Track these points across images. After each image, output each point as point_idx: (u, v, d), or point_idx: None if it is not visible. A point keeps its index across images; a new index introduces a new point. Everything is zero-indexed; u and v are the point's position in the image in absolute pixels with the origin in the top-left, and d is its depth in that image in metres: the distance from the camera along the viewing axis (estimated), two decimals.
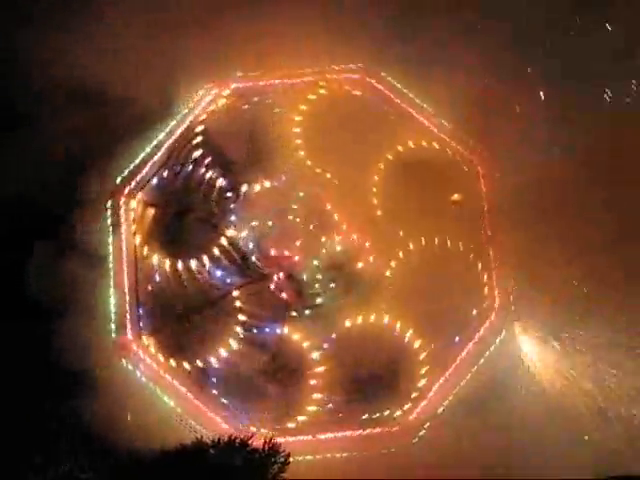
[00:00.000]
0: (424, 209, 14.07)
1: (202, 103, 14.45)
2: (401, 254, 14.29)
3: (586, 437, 13.41)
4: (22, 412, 12.91)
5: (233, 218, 14.39)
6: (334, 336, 13.90)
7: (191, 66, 14.06)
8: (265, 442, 10.04)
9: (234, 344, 13.94)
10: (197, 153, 14.53)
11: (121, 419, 13.02)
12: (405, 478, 12.88)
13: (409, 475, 12.83)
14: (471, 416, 13.34)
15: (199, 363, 13.84)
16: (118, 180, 14.05)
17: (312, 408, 13.78)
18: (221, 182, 14.51)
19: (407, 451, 13.38)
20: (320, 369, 13.84)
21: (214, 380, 13.80)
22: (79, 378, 13.09)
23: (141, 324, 13.86)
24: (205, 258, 14.19)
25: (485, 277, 14.15)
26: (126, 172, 14.14)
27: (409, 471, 12.88)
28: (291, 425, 13.63)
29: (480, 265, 14.20)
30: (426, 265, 14.19)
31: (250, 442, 10.09)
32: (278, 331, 14.03)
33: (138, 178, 14.12)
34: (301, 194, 14.44)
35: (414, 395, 13.74)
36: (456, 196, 14.55)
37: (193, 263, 14.14)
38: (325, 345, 13.93)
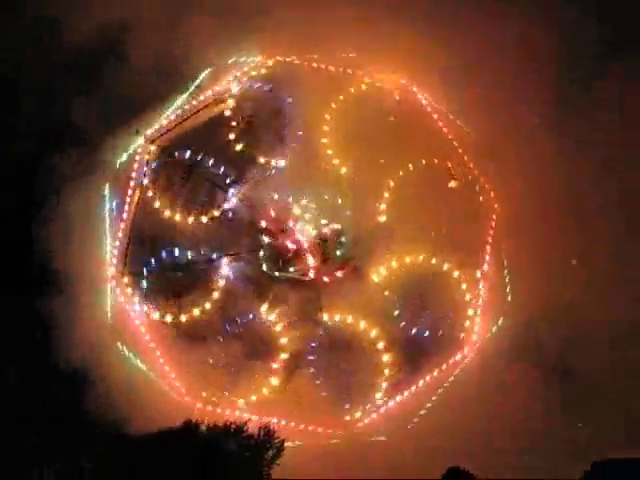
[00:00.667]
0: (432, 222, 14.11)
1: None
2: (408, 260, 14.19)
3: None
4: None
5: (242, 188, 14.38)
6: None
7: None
8: (260, 428, 10.06)
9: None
10: (227, 112, 14.53)
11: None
12: None
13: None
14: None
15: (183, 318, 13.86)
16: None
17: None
18: (239, 147, 14.47)
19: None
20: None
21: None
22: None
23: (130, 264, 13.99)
24: (203, 218, 14.19)
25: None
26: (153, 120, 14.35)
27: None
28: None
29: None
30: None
31: (245, 428, 10.09)
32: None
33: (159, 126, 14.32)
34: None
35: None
36: (453, 183, 14.44)
37: (190, 220, 14.16)
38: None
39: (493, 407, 13.52)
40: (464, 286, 14.21)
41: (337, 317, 13.90)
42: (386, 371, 13.79)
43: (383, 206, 14.33)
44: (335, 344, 13.86)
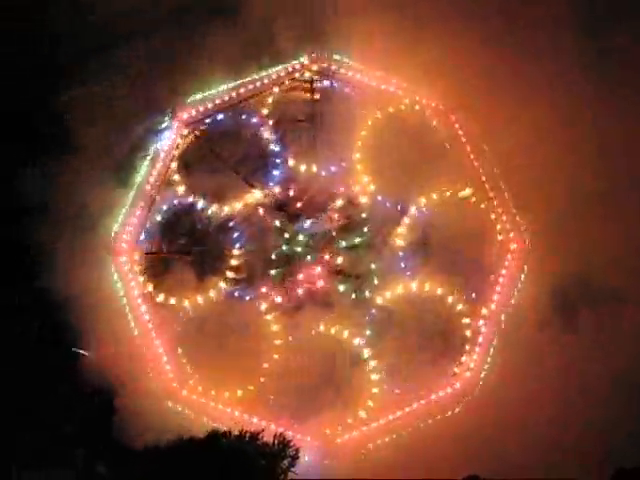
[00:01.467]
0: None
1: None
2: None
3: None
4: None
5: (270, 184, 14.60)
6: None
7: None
8: (275, 437, 10.01)
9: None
10: (265, 111, 14.69)
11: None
12: None
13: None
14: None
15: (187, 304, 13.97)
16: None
17: None
18: (272, 148, 14.63)
19: None
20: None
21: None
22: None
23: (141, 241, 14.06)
24: (226, 209, 14.37)
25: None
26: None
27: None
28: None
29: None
30: None
31: (260, 436, 10.02)
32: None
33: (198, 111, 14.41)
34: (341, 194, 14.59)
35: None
36: (467, 191, 14.48)
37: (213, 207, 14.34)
38: None
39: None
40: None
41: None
42: None
43: (401, 229, 14.49)
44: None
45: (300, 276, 14.28)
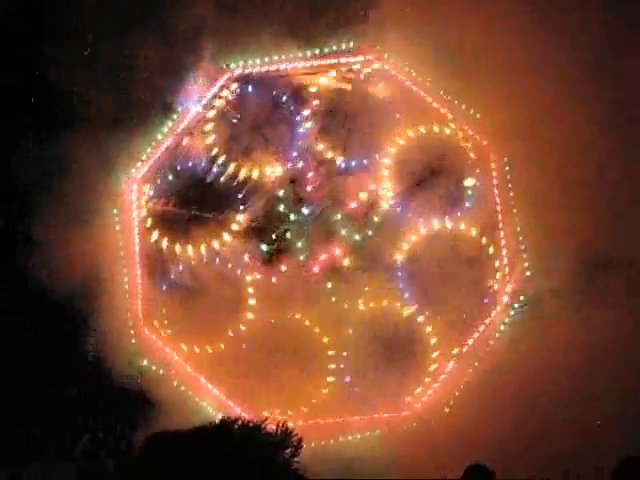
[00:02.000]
0: None
1: None
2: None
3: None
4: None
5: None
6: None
7: None
8: (277, 426, 10.23)
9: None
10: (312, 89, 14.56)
11: None
12: None
13: None
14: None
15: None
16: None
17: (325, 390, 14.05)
18: (307, 126, 14.55)
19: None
20: None
21: None
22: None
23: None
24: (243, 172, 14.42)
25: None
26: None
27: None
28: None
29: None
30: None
31: (263, 426, 10.24)
32: None
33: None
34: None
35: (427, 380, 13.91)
36: (470, 180, 14.29)
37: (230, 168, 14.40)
38: None
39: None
40: None
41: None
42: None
43: (405, 245, 14.40)
44: None
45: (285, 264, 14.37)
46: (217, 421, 9.75)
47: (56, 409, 13.41)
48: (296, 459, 9.81)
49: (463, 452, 12.00)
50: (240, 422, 9.59)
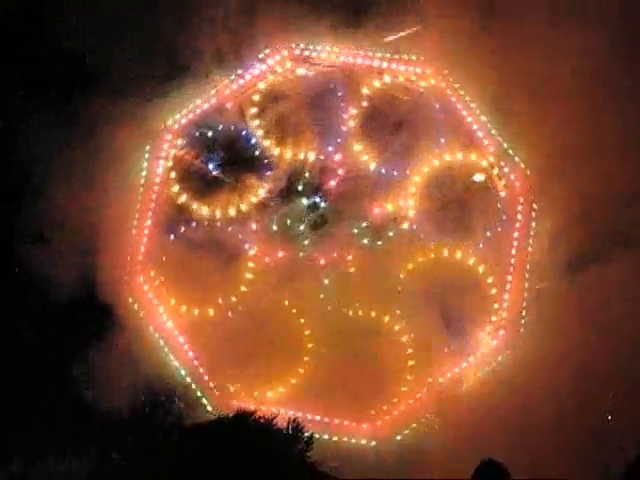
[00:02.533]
0: None
1: None
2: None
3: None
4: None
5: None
6: None
7: None
8: (288, 421, 10.36)
9: None
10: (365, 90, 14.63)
11: None
12: None
13: None
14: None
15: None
16: None
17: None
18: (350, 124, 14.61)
19: None
20: None
21: None
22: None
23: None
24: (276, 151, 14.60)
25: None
26: None
27: None
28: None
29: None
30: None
31: (273, 422, 10.32)
32: None
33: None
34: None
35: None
36: (478, 176, 14.18)
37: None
38: None
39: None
40: None
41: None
42: None
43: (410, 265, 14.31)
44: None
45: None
46: (233, 414, 9.73)
47: (56, 409, 13.40)
48: (308, 454, 9.89)
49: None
50: (254, 417, 9.64)
